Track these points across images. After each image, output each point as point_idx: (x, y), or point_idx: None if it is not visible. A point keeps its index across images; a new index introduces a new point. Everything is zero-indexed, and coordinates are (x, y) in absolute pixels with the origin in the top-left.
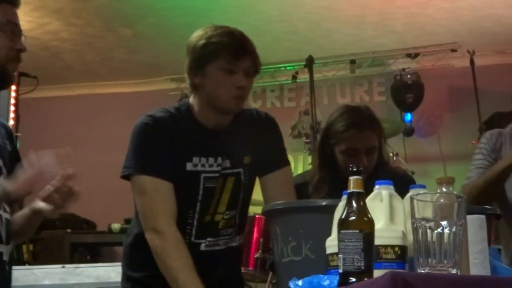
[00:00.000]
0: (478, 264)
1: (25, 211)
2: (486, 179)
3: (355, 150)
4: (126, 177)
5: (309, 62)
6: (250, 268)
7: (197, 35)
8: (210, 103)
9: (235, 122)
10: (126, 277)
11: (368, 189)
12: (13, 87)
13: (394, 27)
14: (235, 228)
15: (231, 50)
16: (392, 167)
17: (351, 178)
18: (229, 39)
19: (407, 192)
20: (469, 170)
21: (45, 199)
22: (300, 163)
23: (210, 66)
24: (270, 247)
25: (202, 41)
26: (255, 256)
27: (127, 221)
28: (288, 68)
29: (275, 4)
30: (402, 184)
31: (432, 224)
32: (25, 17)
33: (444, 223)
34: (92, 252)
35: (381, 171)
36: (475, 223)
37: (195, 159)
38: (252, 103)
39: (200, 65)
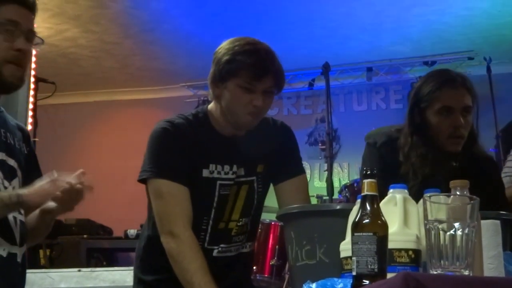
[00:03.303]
0: (492, 269)
1: (36, 211)
2: None
3: (451, 108)
4: (143, 181)
5: (325, 69)
6: (266, 275)
7: (225, 47)
8: (225, 115)
9: (251, 130)
10: (137, 279)
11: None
12: (32, 93)
13: (410, 35)
14: (246, 234)
15: (251, 72)
16: (480, 147)
17: (365, 181)
18: (253, 60)
19: (494, 175)
20: (501, 177)
21: (53, 198)
22: (317, 170)
23: (230, 82)
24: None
25: (227, 57)
26: (270, 263)
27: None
28: (304, 75)
29: (292, 10)
30: (490, 166)
31: (444, 225)
32: (44, 24)
33: (456, 224)
34: (108, 258)
35: (471, 148)
36: (490, 228)
37: (212, 166)
38: (269, 111)
39: (221, 78)
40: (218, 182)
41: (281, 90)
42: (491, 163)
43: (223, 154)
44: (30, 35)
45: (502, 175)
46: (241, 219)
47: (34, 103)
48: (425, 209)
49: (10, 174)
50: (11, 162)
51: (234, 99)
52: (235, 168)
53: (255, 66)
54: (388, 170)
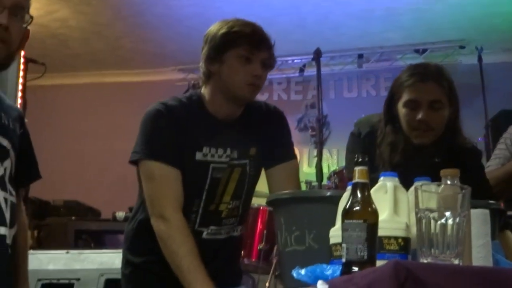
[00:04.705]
0: (480, 258)
1: None
2: (506, 171)
3: (416, 102)
4: (134, 162)
5: (317, 55)
6: (253, 260)
7: (218, 25)
8: (223, 91)
9: (244, 114)
10: (125, 261)
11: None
12: (21, 73)
13: (402, 23)
14: (237, 218)
15: (251, 39)
16: (462, 138)
17: (356, 168)
18: (250, 29)
19: (473, 165)
20: (491, 159)
21: None
22: (306, 155)
23: (229, 53)
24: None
25: (224, 30)
26: (258, 248)
27: (132, 209)
28: (295, 61)
29: None
30: (470, 157)
31: (435, 214)
32: (34, 4)
33: (447, 213)
34: (96, 240)
35: (451, 140)
36: (479, 218)
37: (205, 149)
38: (259, 96)
39: (219, 52)
40: (212, 165)
41: (273, 66)
42: (472, 154)
43: (217, 137)
44: (15, 10)
45: (492, 156)
46: (231, 202)
47: (24, 84)
48: (416, 198)
49: (2, 155)
50: (5, 142)
51: (233, 71)
52: (228, 151)
53: (254, 35)
54: (371, 161)
